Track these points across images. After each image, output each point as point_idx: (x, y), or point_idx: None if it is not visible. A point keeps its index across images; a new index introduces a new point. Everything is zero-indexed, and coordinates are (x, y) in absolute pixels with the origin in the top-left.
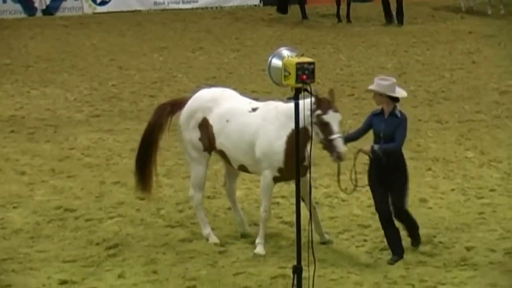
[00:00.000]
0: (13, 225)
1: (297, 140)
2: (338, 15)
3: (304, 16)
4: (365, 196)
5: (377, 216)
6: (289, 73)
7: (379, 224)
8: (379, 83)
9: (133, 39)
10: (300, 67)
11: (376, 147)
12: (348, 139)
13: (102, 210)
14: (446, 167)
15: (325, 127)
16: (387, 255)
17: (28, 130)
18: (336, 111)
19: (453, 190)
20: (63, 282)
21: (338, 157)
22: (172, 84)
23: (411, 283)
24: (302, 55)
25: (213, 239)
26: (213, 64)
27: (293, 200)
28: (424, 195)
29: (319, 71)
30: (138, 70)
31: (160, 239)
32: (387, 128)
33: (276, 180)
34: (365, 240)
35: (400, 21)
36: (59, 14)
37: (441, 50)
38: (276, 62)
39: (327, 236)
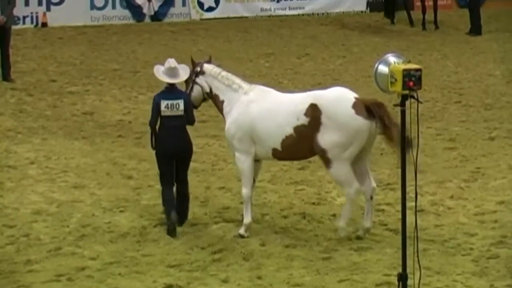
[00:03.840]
0: (120, 229)
1: (403, 139)
2: (423, 23)
3: (411, 22)
4: (472, 204)
5: (484, 224)
6: (396, 80)
7: (486, 233)
8: (163, 66)
9: (239, 45)
10: (407, 73)
11: None
12: None
13: (207, 215)
14: None
15: None
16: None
17: (135, 134)
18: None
19: None
20: (169, 286)
21: None
22: (278, 91)
23: None
24: (409, 61)
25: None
26: (319, 71)
27: (398, 208)
28: None
29: (426, 78)
30: (244, 76)
31: (265, 245)
32: None
33: None
34: (471, 249)
35: (474, 31)
36: (167, 20)
37: None
38: (382, 68)
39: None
